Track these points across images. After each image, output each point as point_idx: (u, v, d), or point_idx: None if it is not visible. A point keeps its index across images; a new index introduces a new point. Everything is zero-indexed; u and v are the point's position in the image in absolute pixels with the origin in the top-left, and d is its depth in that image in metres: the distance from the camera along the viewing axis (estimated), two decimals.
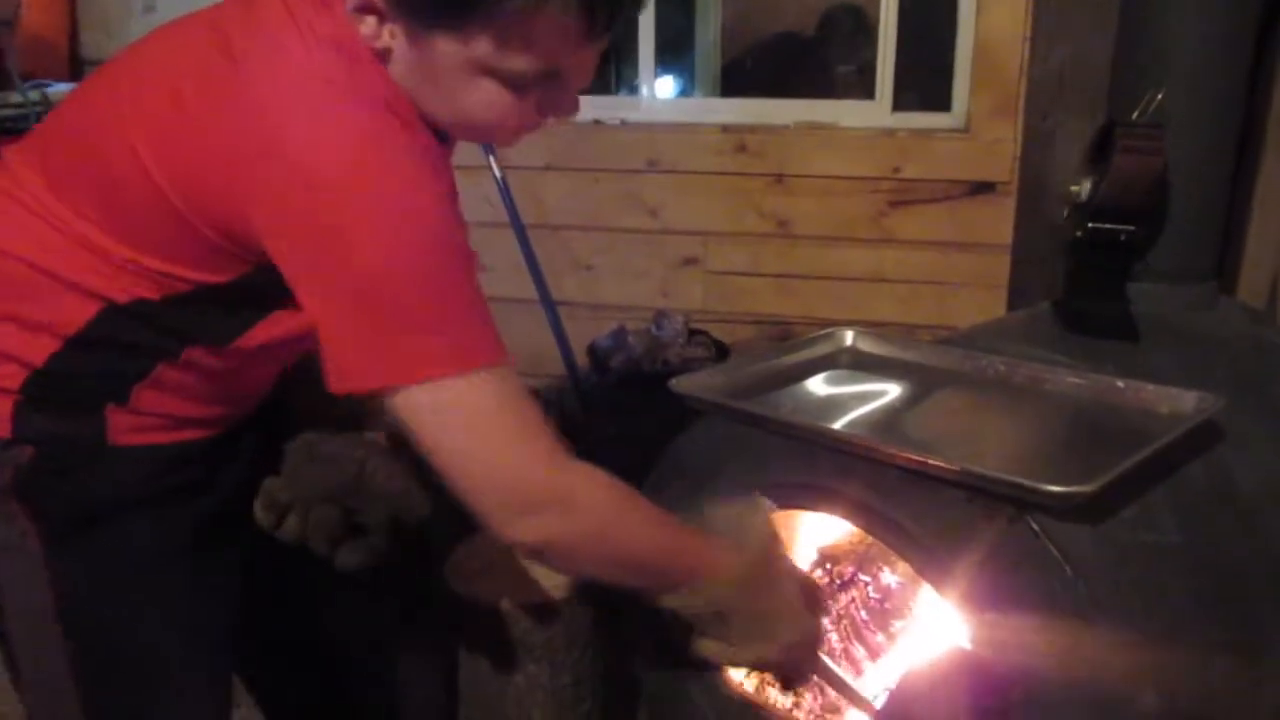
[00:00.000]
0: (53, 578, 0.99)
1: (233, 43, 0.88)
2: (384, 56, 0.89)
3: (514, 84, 0.89)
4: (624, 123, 2.67)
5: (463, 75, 0.88)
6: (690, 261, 2.67)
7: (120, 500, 1.00)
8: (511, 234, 2.64)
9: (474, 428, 0.88)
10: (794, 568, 1.14)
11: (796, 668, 1.11)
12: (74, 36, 2.78)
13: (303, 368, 1.15)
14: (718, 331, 2.53)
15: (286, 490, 1.07)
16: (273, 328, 0.99)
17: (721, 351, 2.25)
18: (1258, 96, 1.97)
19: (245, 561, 1.13)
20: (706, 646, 1.05)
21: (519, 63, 0.86)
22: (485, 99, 0.89)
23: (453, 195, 0.93)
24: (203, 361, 0.99)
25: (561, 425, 2.50)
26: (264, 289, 0.93)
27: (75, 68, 2.78)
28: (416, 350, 0.85)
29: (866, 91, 2.58)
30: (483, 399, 0.88)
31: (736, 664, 1.12)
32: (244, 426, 1.10)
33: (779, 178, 2.56)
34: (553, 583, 1.60)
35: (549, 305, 2.66)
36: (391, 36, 0.88)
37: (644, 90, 2.73)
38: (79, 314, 0.94)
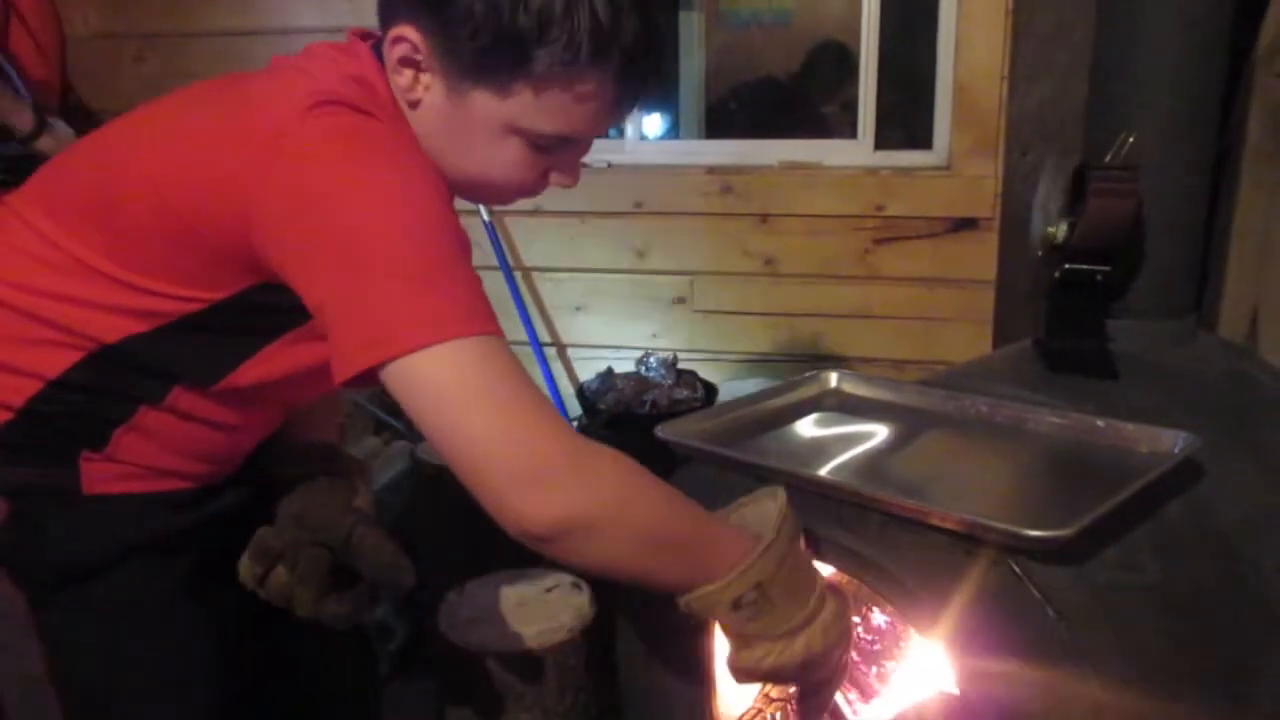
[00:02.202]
0: (41, 639, 0.99)
1: (254, 75, 0.97)
2: (413, 106, 0.95)
3: (537, 145, 0.95)
4: (610, 166, 2.70)
5: (492, 132, 0.94)
6: (678, 301, 2.69)
7: (101, 555, 1.00)
8: (500, 277, 2.66)
9: (480, 395, 0.83)
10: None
11: (833, 674, 1.02)
12: (64, 88, 2.80)
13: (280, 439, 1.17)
14: (706, 370, 2.54)
15: (279, 538, 1.08)
16: (259, 366, 1.00)
17: (709, 391, 2.27)
18: (1231, 132, 2.00)
19: (237, 617, 1.13)
20: (746, 656, 0.96)
21: (550, 124, 0.93)
22: (507, 157, 0.96)
23: (449, 198, 0.96)
24: (187, 405, 1.00)
25: None
26: (257, 314, 0.95)
27: (67, 118, 2.80)
28: (415, 316, 0.83)
29: (850, 129, 2.62)
30: (487, 365, 0.84)
31: (781, 667, 0.97)
32: (227, 483, 1.11)
33: (764, 217, 2.59)
34: (541, 629, 1.60)
35: (537, 348, 2.68)
36: (425, 89, 0.94)
37: (629, 133, 2.76)
38: (64, 357, 0.95)
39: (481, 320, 0.85)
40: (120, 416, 0.98)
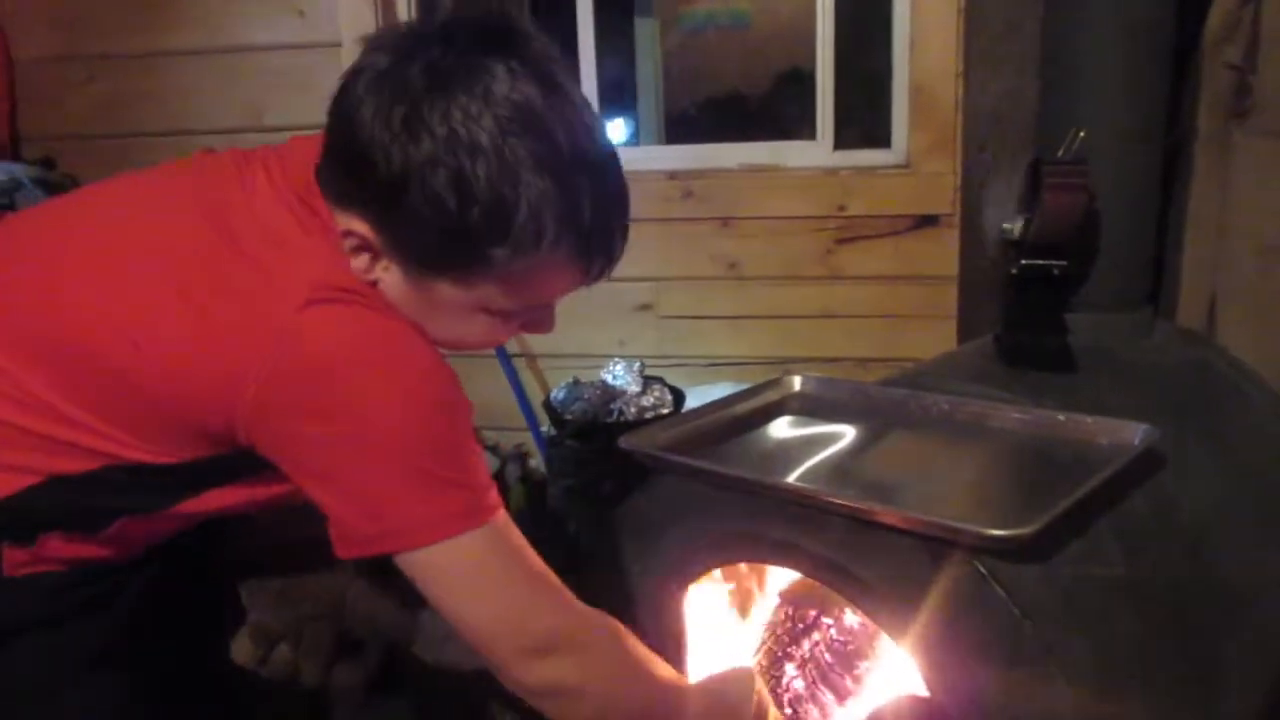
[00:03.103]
0: None
1: (239, 238, 0.89)
2: (373, 285, 0.91)
3: (507, 316, 0.94)
4: None
5: (458, 312, 0.92)
6: (644, 308, 2.68)
7: (16, 622, 0.97)
8: None
9: (481, 582, 0.92)
10: None
11: None
12: (12, 109, 2.76)
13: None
14: (674, 376, 2.54)
15: (277, 619, 1.06)
16: (203, 503, 0.98)
17: (677, 397, 2.26)
18: (1182, 122, 2.02)
19: (175, 667, 1.10)
20: None
21: (517, 303, 0.92)
22: (477, 330, 0.94)
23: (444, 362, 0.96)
24: (124, 529, 0.97)
25: (524, 480, 2.50)
26: (212, 471, 0.93)
27: (14, 141, 2.76)
28: (425, 517, 0.89)
29: (809, 130, 2.63)
30: (488, 553, 0.92)
31: None
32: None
33: (726, 221, 2.59)
34: None
35: (505, 359, 2.67)
36: (385, 271, 0.90)
37: None
38: (10, 482, 0.91)
39: (483, 510, 0.91)
40: (52, 527, 0.95)
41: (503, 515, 0.94)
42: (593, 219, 0.88)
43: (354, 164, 0.85)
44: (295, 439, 0.88)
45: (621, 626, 1.02)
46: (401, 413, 0.87)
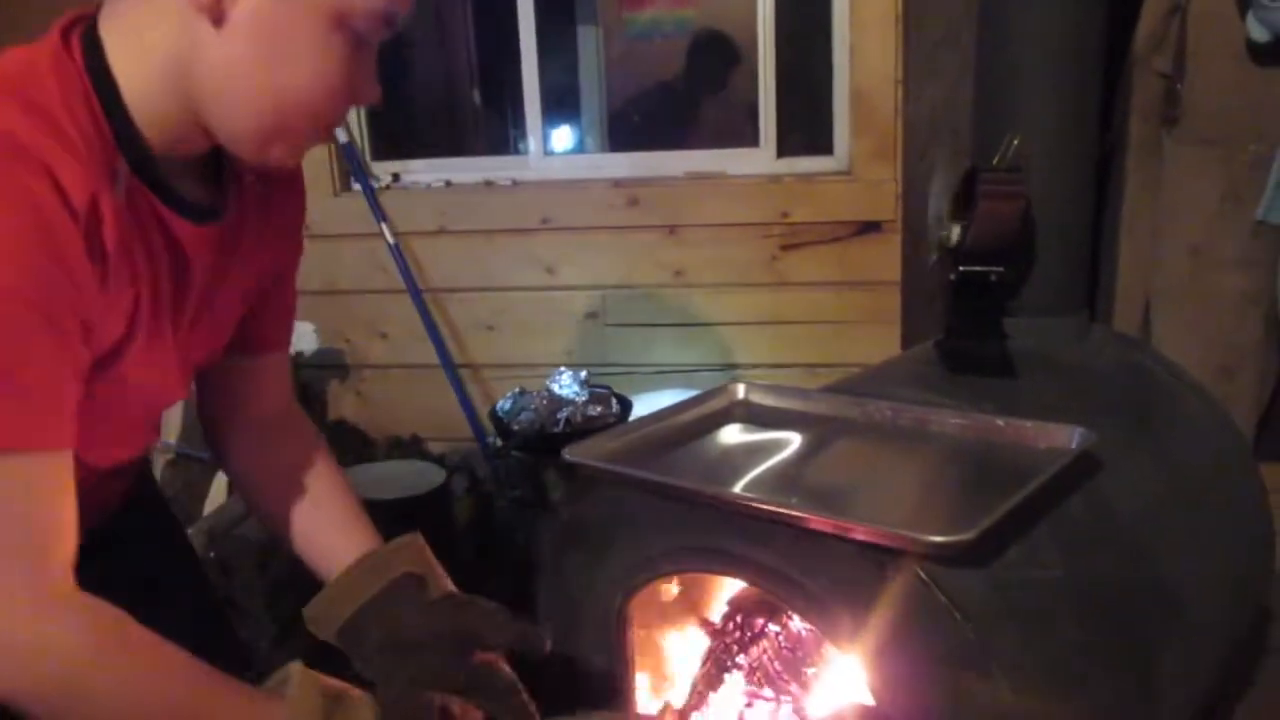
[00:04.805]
0: None
1: None
2: (216, 23, 0.85)
3: (360, 38, 0.88)
4: (515, 183, 2.68)
5: (318, 28, 0.86)
6: (590, 316, 2.68)
7: None
8: (409, 299, 2.62)
9: None
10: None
11: None
12: None
13: None
14: (620, 384, 2.53)
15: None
16: None
17: (624, 406, 2.25)
18: (1115, 129, 2.07)
19: None
20: None
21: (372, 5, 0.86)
22: (330, 63, 0.88)
23: (80, 258, 0.78)
24: None
25: (471, 491, 2.48)
26: None
27: None
28: None
29: (752, 137, 2.64)
30: None
31: None
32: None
33: (672, 229, 2.60)
34: None
35: (450, 369, 2.65)
36: (231, 4, 0.84)
37: (533, 149, 2.74)
38: None
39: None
40: None
41: (27, 458, 0.76)
42: None
43: None
44: None
45: (116, 622, 0.81)
46: None
